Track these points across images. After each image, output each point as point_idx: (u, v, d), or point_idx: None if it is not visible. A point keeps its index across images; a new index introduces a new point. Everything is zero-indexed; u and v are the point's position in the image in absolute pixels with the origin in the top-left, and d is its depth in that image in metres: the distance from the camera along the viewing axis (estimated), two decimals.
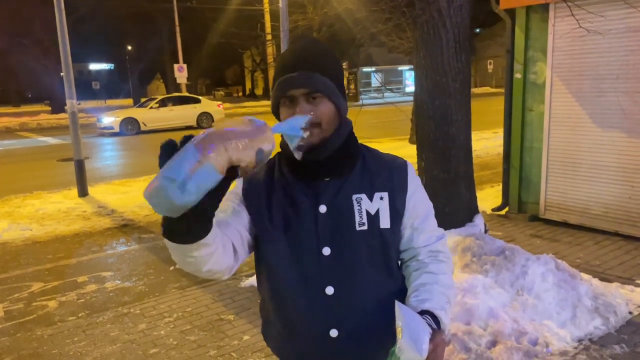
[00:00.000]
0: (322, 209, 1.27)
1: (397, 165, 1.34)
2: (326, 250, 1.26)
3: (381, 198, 1.28)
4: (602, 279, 3.93)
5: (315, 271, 1.27)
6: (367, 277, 1.28)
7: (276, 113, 1.30)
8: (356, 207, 1.27)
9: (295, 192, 1.30)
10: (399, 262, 1.39)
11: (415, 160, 4.19)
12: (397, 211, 1.30)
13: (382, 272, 1.30)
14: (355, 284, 1.28)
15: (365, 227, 1.26)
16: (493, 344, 3.11)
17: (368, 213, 1.27)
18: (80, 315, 4.01)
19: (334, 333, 1.28)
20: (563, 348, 3.13)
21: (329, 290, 1.27)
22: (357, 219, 1.26)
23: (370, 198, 1.28)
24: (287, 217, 1.29)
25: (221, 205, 1.26)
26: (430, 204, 1.38)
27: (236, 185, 1.38)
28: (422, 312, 1.20)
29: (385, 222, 1.28)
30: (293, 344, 1.34)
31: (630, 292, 3.79)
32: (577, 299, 3.45)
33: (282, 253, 1.30)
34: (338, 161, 1.28)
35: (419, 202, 1.34)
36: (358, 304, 1.28)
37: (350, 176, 1.29)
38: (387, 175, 1.31)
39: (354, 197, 1.27)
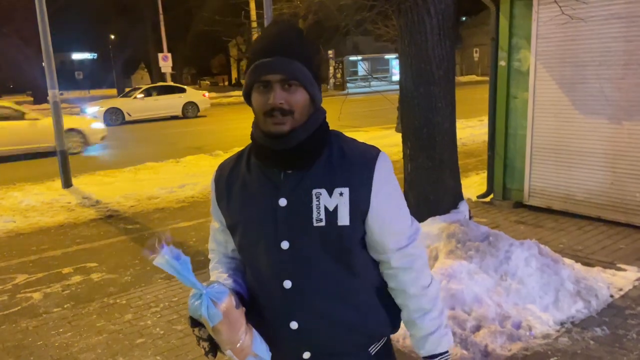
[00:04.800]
0: (282, 202, 1.25)
1: (366, 159, 1.26)
2: (284, 244, 1.25)
3: (340, 194, 1.23)
4: (584, 264, 3.99)
5: (274, 264, 1.27)
6: (325, 273, 1.26)
7: (248, 98, 1.27)
8: (314, 203, 1.23)
9: (256, 185, 1.29)
10: (374, 261, 1.35)
11: (401, 148, 4.20)
12: (358, 208, 1.24)
13: (342, 268, 1.27)
14: (312, 279, 1.26)
15: (322, 224, 1.23)
16: (477, 328, 3.15)
17: (326, 209, 1.23)
18: (65, 306, 3.98)
19: (293, 325, 1.28)
20: (546, 331, 3.18)
21: (287, 284, 1.27)
22: (315, 214, 1.23)
23: (330, 193, 1.23)
24: (248, 210, 1.30)
25: (216, 236, 1.45)
26: (402, 200, 1.32)
27: (211, 191, 1.41)
28: (427, 358, 1.35)
29: (344, 219, 1.23)
30: (264, 333, 1.33)
31: (612, 276, 3.86)
32: (559, 283, 3.51)
33: (246, 246, 1.33)
34: (302, 153, 1.23)
35: (386, 199, 1.27)
36: (315, 298, 1.27)
37: (311, 169, 1.25)
38: (351, 169, 1.25)
39: (314, 191, 1.23)
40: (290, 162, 1.24)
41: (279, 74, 1.19)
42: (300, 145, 1.23)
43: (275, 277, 1.27)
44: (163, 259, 1.12)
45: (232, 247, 1.40)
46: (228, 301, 1.18)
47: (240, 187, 1.32)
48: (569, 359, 2.92)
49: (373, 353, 1.35)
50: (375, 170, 1.25)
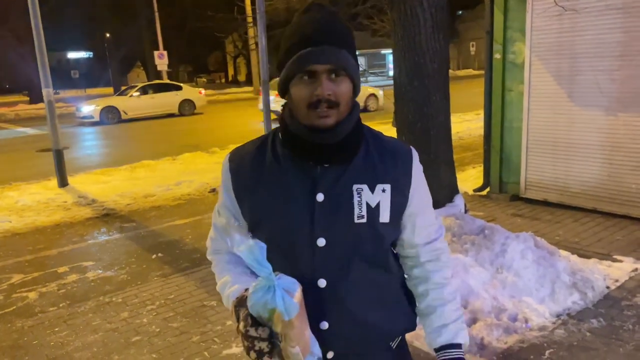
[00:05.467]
0: (320, 197, 1.18)
1: (402, 154, 1.24)
2: (321, 242, 1.19)
3: (383, 190, 1.19)
4: (580, 256, 3.99)
5: (308, 263, 1.21)
6: (362, 271, 1.22)
7: (284, 89, 1.19)
8: (356, 199, 1.18)
9: (288, 177, 1.21)
10: (396, 255, 1.34)
11: None
12: (398, 205, 1.22)
13: (378, 267, 1.25)
14: (349, 278, 1.22)
15: (364, 220, 1.18)
16: (473, 321, 3.15)
17: (368, 205, 1.18)
18: (61, 305, 3.97)
19: (324, 326, 1.23)
20: (542, 323, 3.18)
21: (322, 283, 1.21)
22: (357, 211, 1.18)
23: (372, 189, 1.19)
24: (279, 204, 1.21)
25: (226, 233, 1.33)
26: (430, 195, 1.31)
27: (224, 183, 1.30)
28: (442, 348, 1.31)
29: (385, 217, 1.20)
30: None
31: (608, 268, 3.86)
32: (555, 275, 3.50)
33: (273, 243, 1.22)
34: (345, 146, 1.18)
35: (421, 195, 1.26)
36: (350, 299, 1.23)
37: (352, 164, 1.20)
38: (391, 164, 1.22)
39: (355, 187, 1.18)
40: (332, 156, 1.18)
41: (327, 64, 1.12)
42: (346, 137, 1.18)
43: (309, 276, 1.20)
44: (245, 245, 1.04)
45: None
46: (300, 291, 1.11)
47: (269, 179, 1.22)
48: (565, 351, 2.92)
49: (394, 347, 1.34)
50: (413, 167, 1.23)
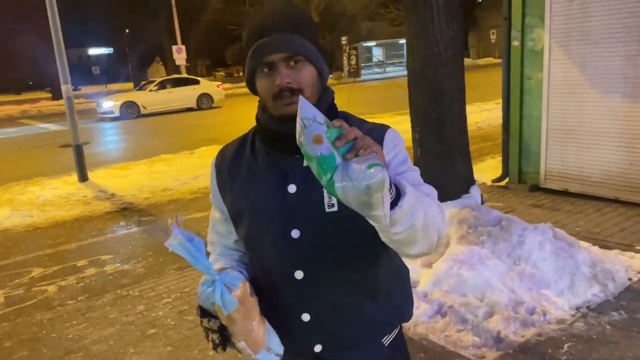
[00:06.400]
0: (292, 188, 1.18)
1: (375, 132, 1.18)
2: (295, 233, 1.19)
3: None
4: (602, 247, 3.88)
5: (284, 254, 1.21)
6: (338, 261, 1.20)
7: (252, 85, 1.20)
8: None
9: (262, 170, 1.23)
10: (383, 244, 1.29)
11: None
12: None
13: (359, 256, 1.21)
14: (325, 268, 1.20)
15: (335, 209, 1.15)
16: (490, 314, 3.09)
17: None
18: (79, 299, 4.02)
19: (305, 317, 1.23)
20: (561, 316, 3.11)
21: (298, 275, 1.20)
22: (326, 200, 1.15)
23: None
24: (254, 198, 1.23)
25: (217, 226, 1.35)
26: (410, 161, 1.19)
27: (211, 177, 1.33)
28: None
29: None
30: (274, 326, 1.27)
31: (630, 259, 3.75)
32: (575, 267, 3.42)
33: (253, 236, 1.25)
34: None
35: (395, 166, 1.15)
36: (330, 290, 1.21)
37: None
38: None
39: None
40: None
41: (281, 52, 1.11)
42: None
43: (286, 268, 1.21)
44: (176, 240, 1.06)
45: (235, 238, 1.33)
46: (243, 287, 1.12)
47: (245, 173, 1.25)
48: (584, 344, 2.85)
49: (387, 344, 1.31)
50: (384, 141, 1.17)
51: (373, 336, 1.29)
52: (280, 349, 1.22)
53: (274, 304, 1.26)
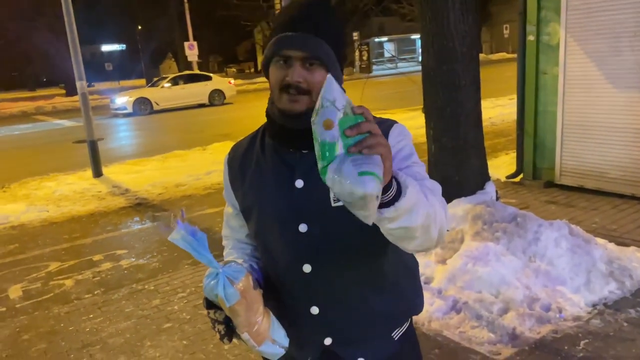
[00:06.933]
0: (299, 183, 1.20)
1: (382, 127, 1.15)
2: (303, 227, 1.20)
3: None
4: (618, 243, 3.84)
5: (292, 248, 1.22)
6: (346, 255, 1.21)
7: (266, 70, 1.21)
8: None
9: (270, 166, 1.24)
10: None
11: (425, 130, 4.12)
12: None
13: (366, 249, 1.22)
14: (333, 262, 1.21)
15: (340, 203, 1.13)
16: (505, 311, 3.08)
17: None
18: (96, 292, 4.07)
19: (314, 311, 1.25)
20: (577, 313, 3.09)
21: (307, 268, 1.22)
22: (332, 194, 1.15)
23: None
24: (263, 193, 1.25)
25: (230, 221, 1.38)
26: (416, 156, 1.18)
27: (224, 173, 1.35)
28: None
29: None
30: (283, 319, 1.29)
31: None
32: (591, 264, 3.39)
33: (262, 230, 1.27)
34: None
35: (399, 160, 1.13)
36: (337, 283, 1.23)
37: None
38: None
39: None
40: (307, 141, 1.15)
41: (301, 51, 1.12)
42: None
43: (294, 262, 1.22)
44: (178, 234, 1.09)
45: (247, 232, 1.35)
46: (245, 280, 1.14)
47: (255, 168, 1.27)
48: (601, 341, 2.82)
49: (396, 338, 1.31)
50: (389, 138, 1.16)
51: (382, 329, 1.29)
52: (285, 341, 1.24)
53: (284, 298, 1.27)
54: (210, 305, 1.17)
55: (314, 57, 1.13)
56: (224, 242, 1.43)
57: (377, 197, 0.88)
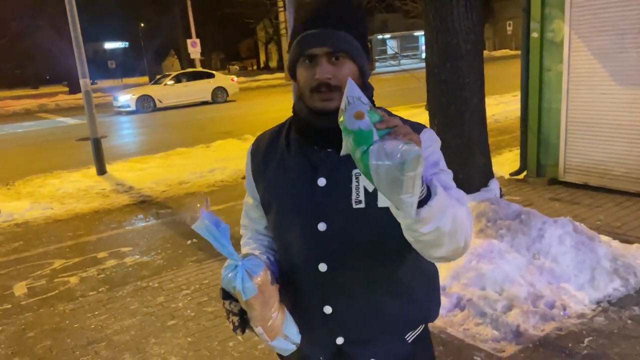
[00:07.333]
0: (321, 182, 1.19)
1: None
2: (322, 226, 1.19)
3: None
4: (622, 241, 3.84)
5: (309, 246, 1.22)
6: (362, 257, 1.20)
7: (293, 73, 1.21)
8: (354, 183, 1.17)
9: (294, 162, 1.24)
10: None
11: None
12: None
13: (380, 253, 1.20)
14: (349, 263, 1.21)
15: (362, 205, 1.16)
16: (509, 308, 3.08)
17: (366, 190, 1.16)
18: (100, 290, 4.09)
19: (327, 310, 1.24)
20: (581, 310, 3.09)
21: (322, 267, 1.21)
22: (354, 196, 1.16)
23: None
24: (284, 188, 1.24)
25: (249, 211, 1.38)
26: (444, 163, 1.19)
27: (246, 164, 1.36)
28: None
29: (384, 201, 1.13)
30: (295, 316, 1.29)
31: None
32: (595, 261, 3.38)
33: (281, 225, 1.27)
34: None
35: (428, 165, 1.12)
36: (352, 284, 1.22)
37: None
38: None
39: (354, 172, 1.16)
40: (332, 140, 1.15)
41: (324, 47, 1.12)
42: None
43: (310, 260, 1.22)
44: (203, 223, 1.09)
45: (266, 224, 1.35)
46: (264, 275, 1.14)
47: (278, 163, 1.26)
48: (605, 339, 2.82)
49: (410, 340, 1.30)
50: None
51: (394, 332, 1.28)
52: (297, 337, 1.24)
53: (298, 295, 1.27)
54: (227, 295, 1.17)
55: (338, 51, 1.12)
56: (242, 231, 1.43)
57: (422, 188, 0.91)
